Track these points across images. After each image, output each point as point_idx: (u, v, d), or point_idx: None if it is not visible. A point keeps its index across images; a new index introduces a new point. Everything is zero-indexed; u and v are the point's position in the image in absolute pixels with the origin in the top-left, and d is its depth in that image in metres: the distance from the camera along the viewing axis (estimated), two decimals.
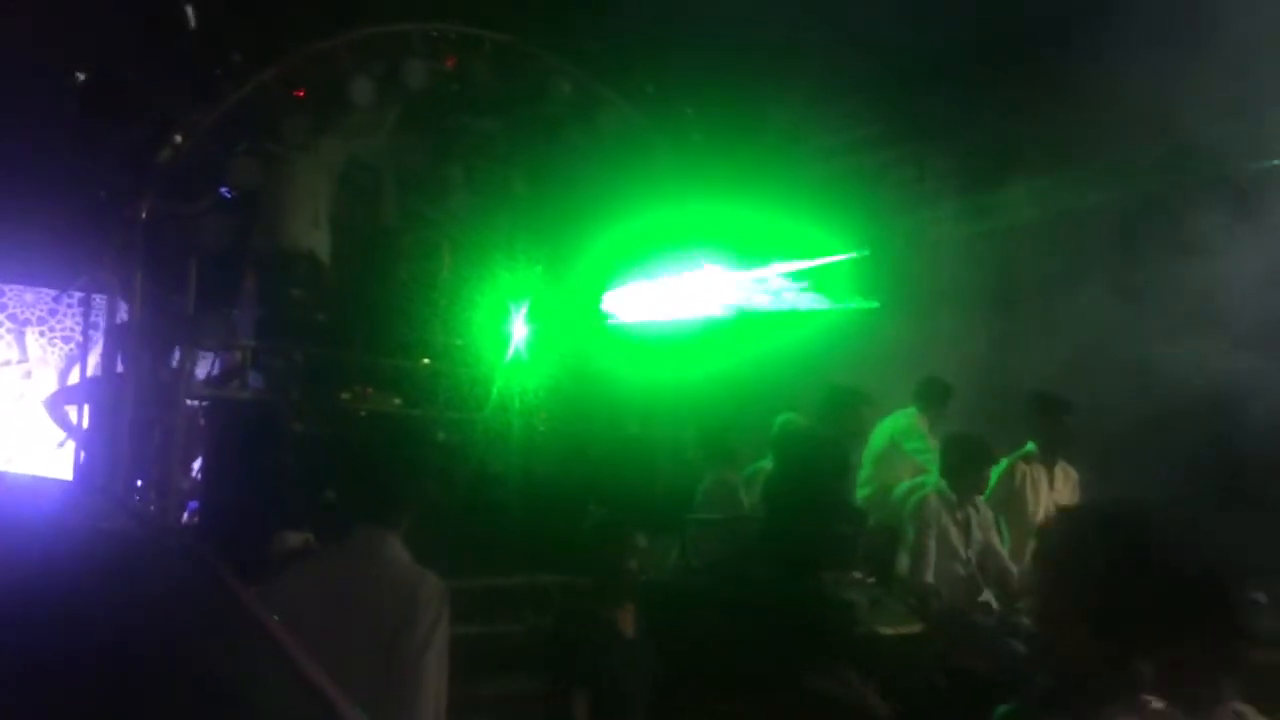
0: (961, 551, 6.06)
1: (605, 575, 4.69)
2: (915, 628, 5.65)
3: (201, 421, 7.29)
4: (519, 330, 8.03)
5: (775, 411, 7.22)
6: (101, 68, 6.81)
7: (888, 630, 5.54)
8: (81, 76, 6.82)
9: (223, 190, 7.02)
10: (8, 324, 12.07)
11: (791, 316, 8.98)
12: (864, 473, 7.02)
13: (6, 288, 12.05)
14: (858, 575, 5.68)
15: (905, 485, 6.64)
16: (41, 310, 12.19)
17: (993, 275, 8.81)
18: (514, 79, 8.20)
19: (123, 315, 7.32)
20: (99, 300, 8.82)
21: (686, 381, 8.50)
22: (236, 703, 1.96)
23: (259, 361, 7.20)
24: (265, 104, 7.14)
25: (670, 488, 7.64)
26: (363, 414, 7.49)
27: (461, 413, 7.78)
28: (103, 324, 10.48)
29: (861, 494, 6.96)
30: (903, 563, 6.12)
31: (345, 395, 7.45)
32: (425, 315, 7.98)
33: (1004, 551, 6.39)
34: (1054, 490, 6.60)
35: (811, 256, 8.99)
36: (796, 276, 8.99)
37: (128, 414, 6.64)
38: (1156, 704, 2.50)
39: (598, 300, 8.70)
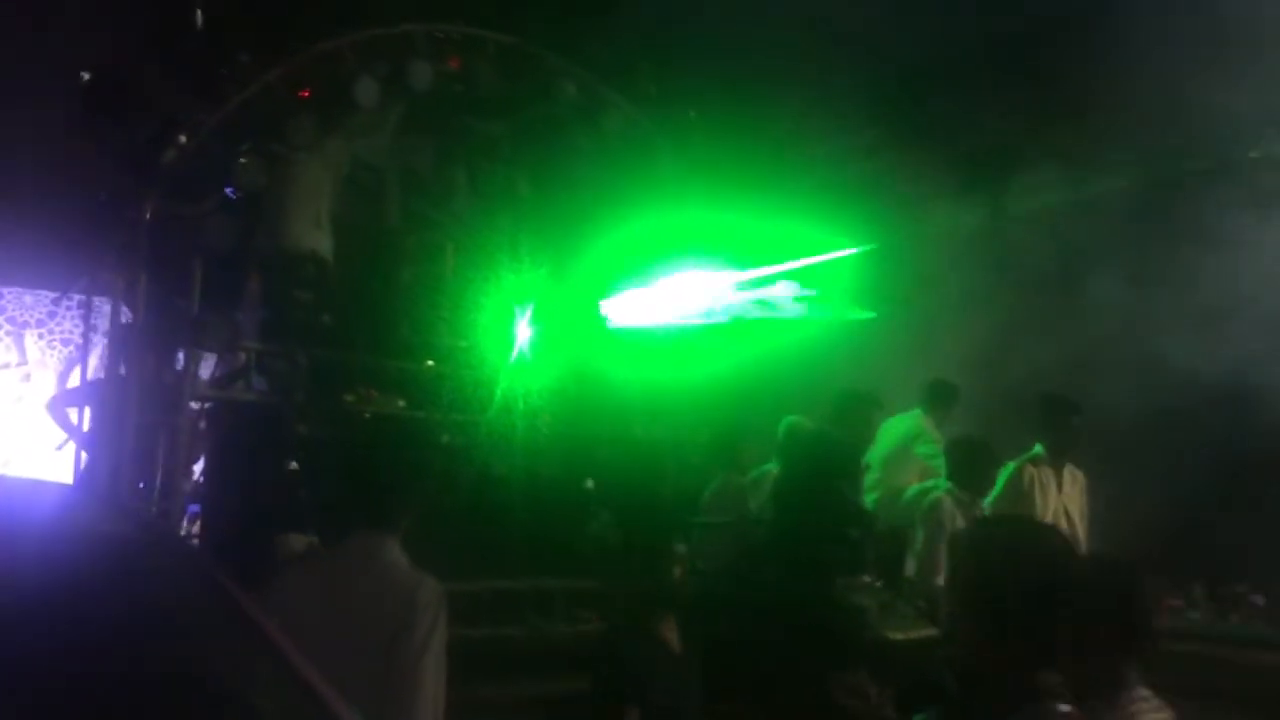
0: None
1: (648, 585, 4.61)
2: (926, 632, 5.62)
3: (203, 424, 7.25)
4: (523, 332, 7.99)
5: (781, 415, 7.23)
6: (105, 68, 6.76)
7: (898, 635, 5.50)
8: (85, 76, 6.78)
9: (227, 191, 6.97)
10: (6, 326, 12.06)
11: (794, 320, 8.96)
12: (872, 476, 6.98)
13: (5, 290, 12.04)
14: (866, 579, 5.65)
15: (915, 488, 6.62)
16: (40, 313, 12.18)
17: (992, 275, 8.78)
18: (518, 81, 8.17)
19: (124, 317, 7.29)
20: (99, 303, 8.80)
21: (691, 384, 8.48)
22: (234, 706, 1.95)
23: (262, 364, 7.15)
24: (270, 104, 7.09)
25: (676, 491, 7.60)
26: (367, 416, 7.45)
27: (465, 415, 7.73)
28: (103, 326, 10.55)
29: (869, 498, 6.92)
30: (911, 566, 6.09)
31: (349, 398, 7.41)
32: (429, 317, 7.95)
33: None
34: (1062, 493, 6.58)
35: (812, 258, 8.97)
36: (797, 282, 8.96)
37: (132, 416, 6.58)
38: (1063, 707, 2.71)
39: (602, 301, 8.67)
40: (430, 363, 7.83)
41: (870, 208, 9.31)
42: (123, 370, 6.92)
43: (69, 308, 12.04)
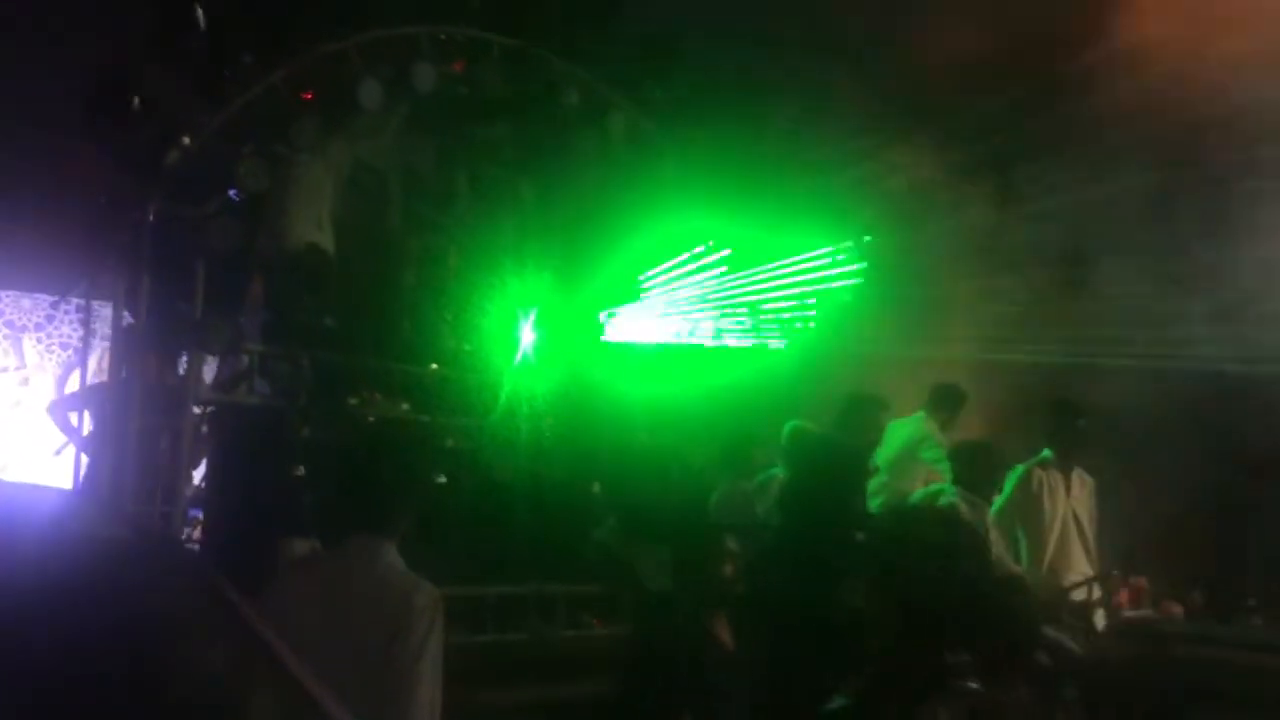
0: None
1: (698, 582, 4.57)
2: None
3: (204, 428, 7.21)
4: (527, 336, 7.96)
5: (785, 419, 7.19)
6: (108, 68, 6.73)
7: None
8: (87, 78, 6.76)
9: (230, 193, 6.94)
10: (5, 330, 12.03)
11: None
12: (877, 480, 6.95)
13: (3, 294, 12.00)
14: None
15: (920, 493, 6.59)
16: (39, 317, 12.15)
17: (994, 275, 8.75)
18: (522, 83, 8.14)
19: (125, 320, 7.24)
20: (98, 306, 8.75)
21: (694, 388, 8.45)
22: (231, 709, 1.94)
23: (265, 367, 7.11)
24: (273, 106, 7.06)
25: (682, 496, 7.55)
26: (370, 420, 7.42)
27: (469, 419, 7.70)
28: (102, 330, 10.51)
29: (874, 502, 6.89)
30: None
31: (353, 401, 7.38)
32: (432, 320, 7.92)
33: (1007, 558, 6.32)
34: (1070, 496, 6.54)
35: (811, 265, 8.95)
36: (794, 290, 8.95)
37: (134, 420, 6.54)
38: (971, 685, 3.08)
39: (605, 306, 8.64)
40: (434, 366, 7.79)
41: (870, 209, 9.28)
42: (124, 373, 6.87)
43: (67, 311, 12.01)
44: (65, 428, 8.13)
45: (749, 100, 9.06)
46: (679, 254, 8.77)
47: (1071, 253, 7.76)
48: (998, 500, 6.38)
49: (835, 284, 8.83)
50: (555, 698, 7.15)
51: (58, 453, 9.10)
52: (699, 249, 8.86)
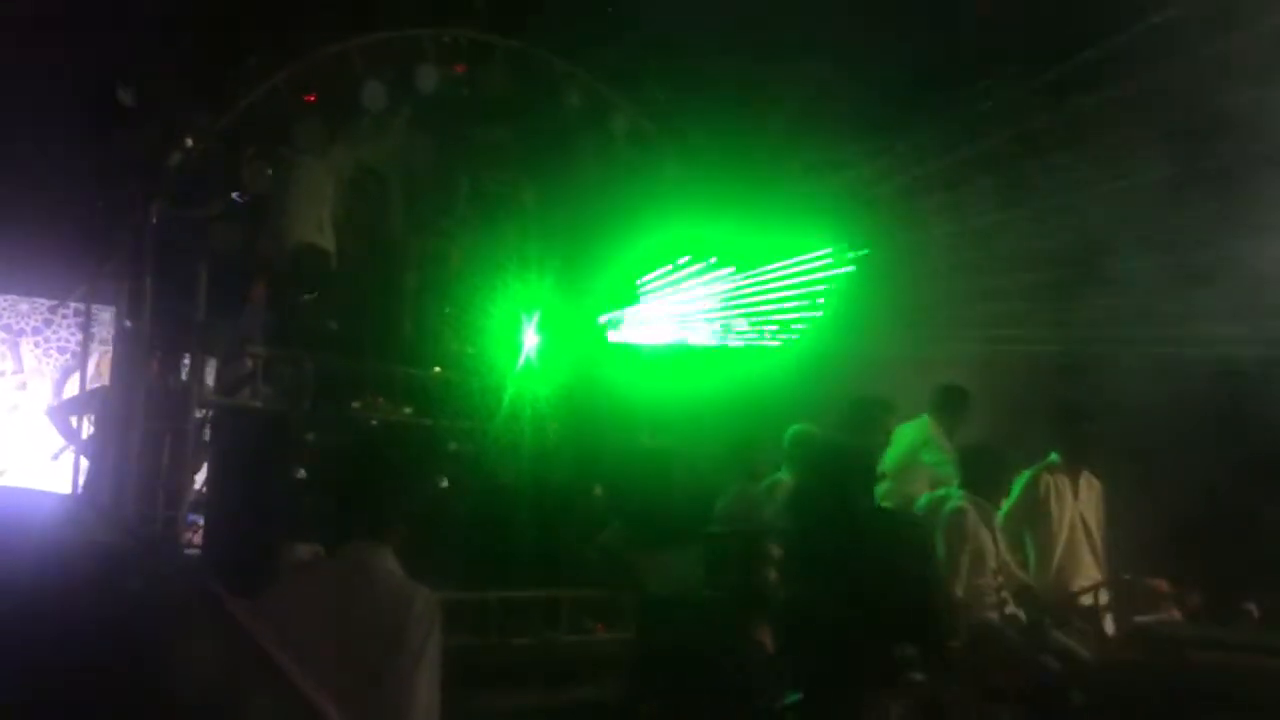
0: (992, 564, 5.95)
1: (740, 588, 4.58)
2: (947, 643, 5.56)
3: (206, 432, 7.18)
4: (530, 339, 7.92)
5: (787, 422, 7.17)
6: (111, 71, 6.70)
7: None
8: (86, 80, 6.74)
9: (233, 195, 6.91)
10: (2, 334, 11.96)
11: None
12: (883, 485, 6.90)
13: (1, 298, 11.93)
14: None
15: (927, 497, 6.54)
16: (37, 321, 12.09)
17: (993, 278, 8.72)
18: (525, 85, 8.12)
19: (125, 324, 7.20)
20: (97, 310, 8.71)
21: (698, 391, 8.42)
22: (227, 717, 1.92)
23: (268, 370, 7.08)
24: (275, 108, 7.03)
25: (687, 500, 7.53)
26: (373, 424, 7.39)
27: (472, 422, 7.67)
28: (102, 334, 10.46)
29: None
30: None
31: (356, 404, 7.35)
32: (435, 323, 7.89)
33: (1013, 563, 6.30)
34: (1078, 500, 6.50)
35: (812, 265, 8.92)
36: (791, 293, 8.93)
37: (136, 424, 6.50)
38: (918, 677, 3.37)
39: (608, 309, 8.61)
40: (437, 369, 7.76)
41: (871, 208, 9.25)
42: (126, 377, 6.83)
43: (66, 316, 11.95)
44: (65, 432, 8.09)
45: (750, 100, 9.03)
46: (681, 255, 8.73)
47: (1078, 249, 7.71)
48: (1005, 505, 6.34)
49: (837, 284, 8.79)
50: (558, 702, 7.13)
51: (55, 457, 9.07)
52: (700, 250, 8.81)
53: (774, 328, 8.90)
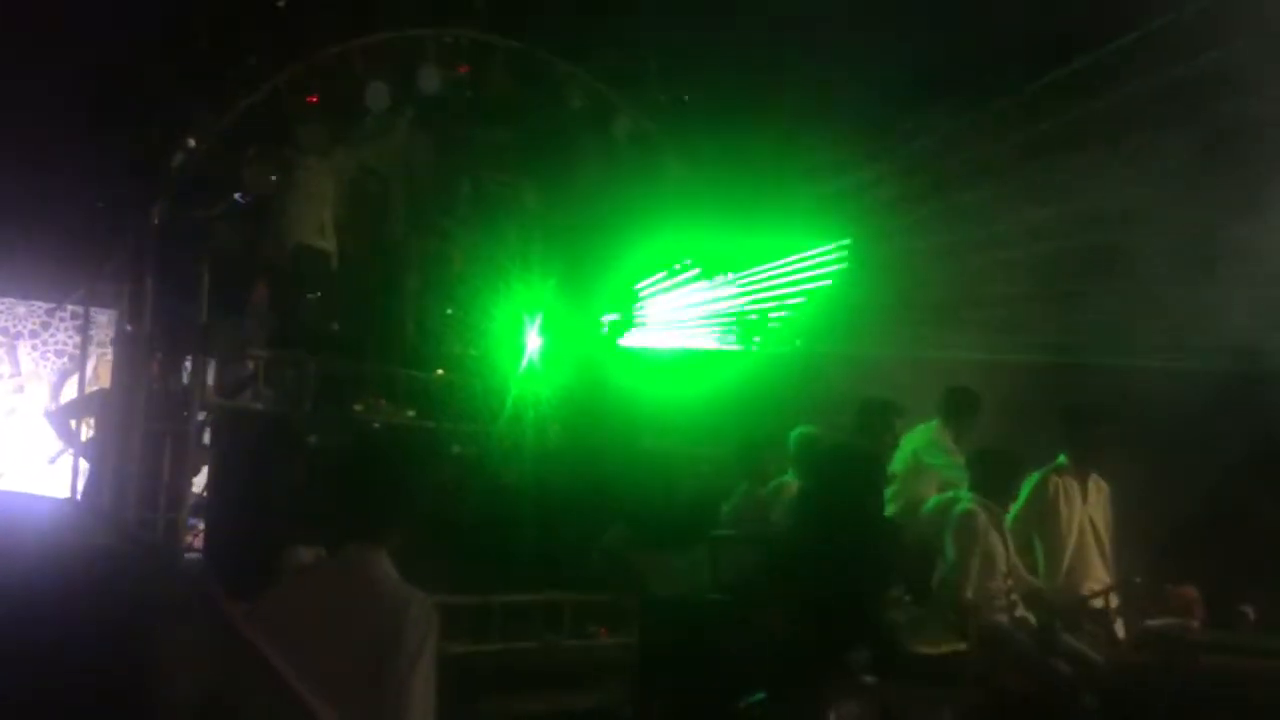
0: (1002, 567, 5.91)
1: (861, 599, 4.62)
2: (956, 646, 5.52)
3: (207, 435, 7.13)
4: (532, 341, 7.88)
5: (790, 424, 7.14)
6: (111, 71, 6.66)
7: (930, 650, 5.41)
8: (85, 81, 6.70)
9: (235, 196, 6.86)
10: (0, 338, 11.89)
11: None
12: (891, 488, 6.86)
13: None
14: (894, 593, 5.57)
15: (935, 500, 6.50)
16: (34, 323, 12.01)
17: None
18: (527, 87, 8.08)
19: (125, 326, 7.16)
20: (95, 313, 8.66)
21: (701, 394, 8.38)
22: None
23: (270, 372, 7.04)
24: (277, 109, 6.99)
25: (692, 503, 7.50)
26: (376, 426, 7.35)
27: (475, 425, 7.63)
28: (100, 336, 10.41)
29: (887, 510, 6.80)
30: (937, 578, 5.98)
31: (358, 407, 7.31)
32: (438, 325, 7.85)
33: (1021, 566, 6.27)
34: (1087, 503, 6.47)
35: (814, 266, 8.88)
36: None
37: (139, 426, 6.45)
38: (868, 679, 3.44)
39: (611, 311, 8.57)
40: (439, 371, 7.72)
41: (875, 212, 9.22)
42: (128, 379, 6.78)
43: (63, 318, 11.88)
44: (64, 434, 8.03)
45: (751, 101, 9.00)
46: (683, 257, 8.69)
47: (1084, 250, 7.68)
48: (1014, 508, 6.30)
49: (841, 286, 8.74)
50: (560, 706, 7.10)
51: (53, 460, 9.02)
52: (703, 252, 8.77)
53: (777, 329, 8.84)
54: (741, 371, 8.57)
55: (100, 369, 10.91)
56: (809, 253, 8.88)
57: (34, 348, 12.00)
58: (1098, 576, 6.30)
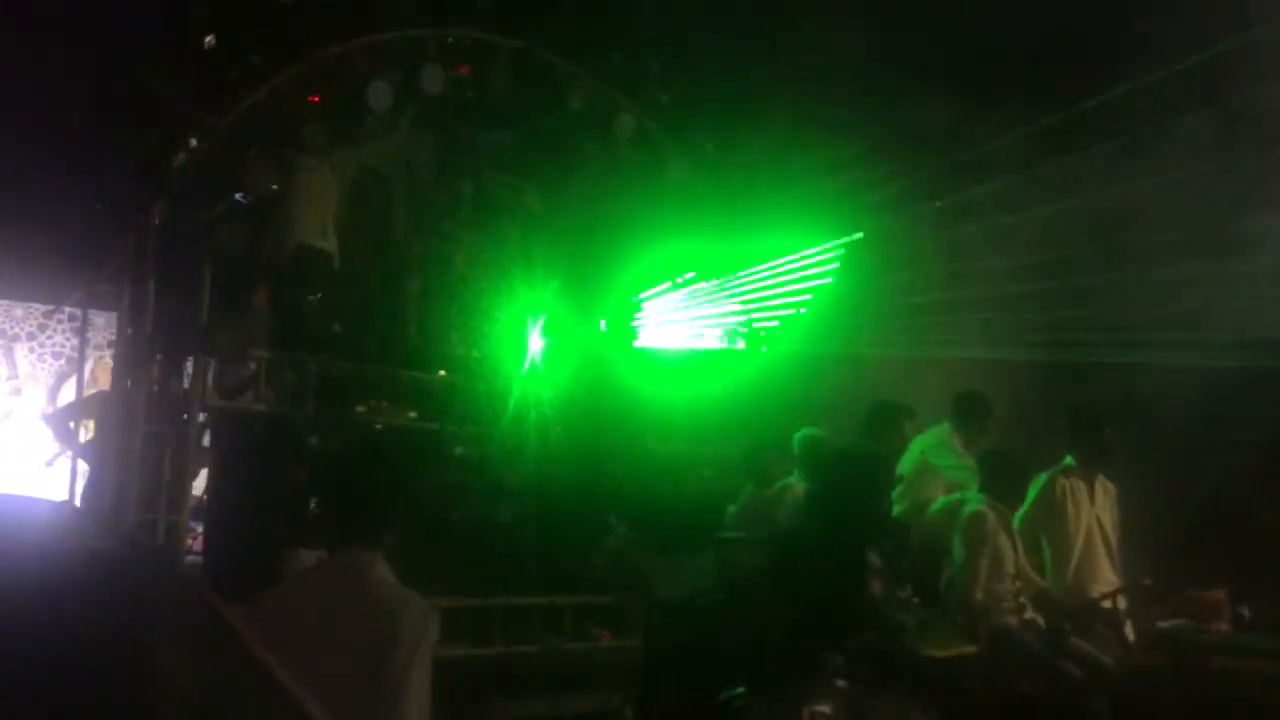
0: (1010, 568, 5.88)
1: (844, 601, 4.61)
2: (966, 649, 5.49)
3: (206, 437, 7.09)
4: (535, 342, 7.85)
5: (794, 425, 7.10)
6: (111, 70, 6.62)
7: (939, 653, 5.38)
8: (82, 83, 6.66)
9: (237, 196, 6.82)
10: None
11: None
12: (897, 490, 6.82)
13: None
14: (902, 595, 5.52)
15: (942, 501, 6.47)
16: (31, 326, 11.99)
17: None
18: (529, 87, 8.04)
19: (125, 327, 7.11)
20: (92, 315, 8.61)
21: (704, 396, 8.35)
22: None
23: (271, 373, 7.00)
24: (279, 108, 6.95)
25: (696, 505, 7.46)
26: (378, 427, 7.32)
27: (478, 426, 7.59)
28: (97, 338, 10.36)
29: (894, 511, 6.76)
30: (944, 580, 5.95)
31: (360, 408, 7.27)
32: (440, 326, 7.82)
33: (1030, 567, 6.23)
34: (1094, 505, 6.43)
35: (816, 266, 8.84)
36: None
37: (139, 428, 6.41)
38: (840, 683, 3.58)
39: (613, 312, 8.54)
40: (442, 373, 7.69)
41: (881, 211, 9.18)
42: (129, 381, 6.73)
43: (60, 321, 11.85)
44: (64, 437, 7.99)
45: (753, 99, 8.98)
46: (686, 258, 8.65)
47: (1091, 250, 7.66)
48: (1021, 509, 6.27)
49: (845, 286, 8.71)
50: (563, 710, 7.06)
51: (50, 463, 8.98)
52: (705, 253, 8.73)
53: (781, 330, 8.80)
54: (746, 373, 8.54)
55: (98, 371, 10.88)
56: (813, 252, 8.85)
57: (31, 350, 11.97)
58: (1106, 578, 6.26)
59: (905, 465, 6.80)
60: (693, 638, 5.98)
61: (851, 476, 5.36)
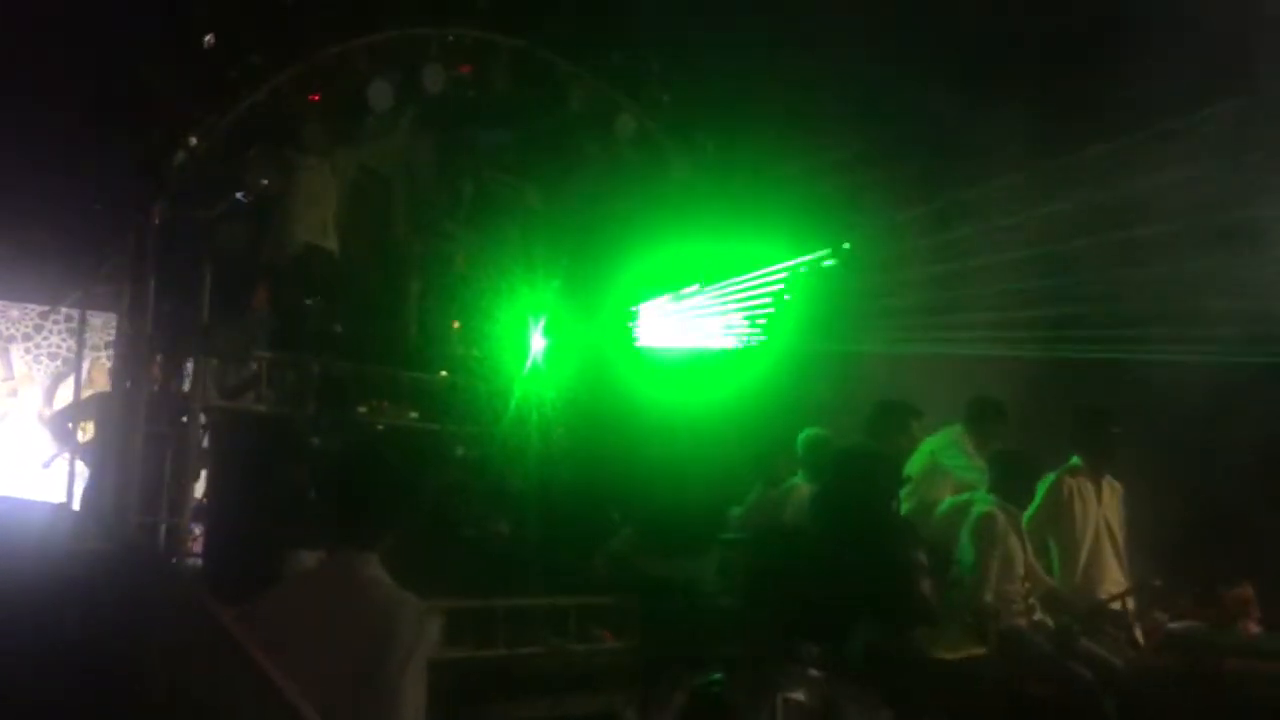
0: (1020, 569, 5.86)
1: (898, 599, 4.64)
2: (976, 650, 5.46)
3: (204, 436, 7.04)
4: (537, 342, 7.82)
5: (797, 425, 7.08)
6: (110, 69, 6.57)
7: (948, 655, 5.35)
8: (80, 82, 6.63)
9: (238, 195, 6.78)
10: None
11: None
12: (904, 489, 6.79)
13: None
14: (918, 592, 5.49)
15: (950, 502, 6.44)
16: (27, 326, 11.93)
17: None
18: (530, 86, 8.00)
19: (125, 329, 7.06)
20: (90, 316, 8.56)
21: (706, 397, 8.32)
22: None
23: (272, 374, 6.96)
24: (279, 108, 6.90)
25: (701, 506, 7.42)
26: (379, 428, 7.28)
27: (479, 427, 7.56)
28: (93, 339, 10.31)
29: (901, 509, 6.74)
30: (951, 579, 5.93)
31: (361, 409, 7.23)
32: (441, 326, 7.79)
33: (1039, 568, 6.21)
34: (1101, 504, 6.42)
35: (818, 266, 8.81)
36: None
37: (140, 429, 6.37)
38: (815, 674, 3.67)
39: (616, 313, 8.50)
40: (443, 373, 7.66)
41: (881, 211, 9.16)
42: (129, 382, 6.69)
43: (56, 321, 11.79)
44: (63, 437, 7.95)
45: (755, 99, 8.96)
46: (688, 258, 8.62)
47: (1097, 250, 7.64)
48: (1029, 509, 6.25)
49: (849, 286, 8.68)
50: (566, 712, 7.03)
51: (47, 465, 8.94)
52: (707, 253, 8.70)
53: (785, 330, 8.77)
54: (750, 373, 8.50)
55: (94, 372, 10.83)
56: (815, 251, 8.82)
57: (27, 350, 11.91)
58: (1114, 578, 6.26)
59: (914, 465, 6.77)
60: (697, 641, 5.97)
61: (856, 476, 5.35)
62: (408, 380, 7.56)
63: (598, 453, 7.93)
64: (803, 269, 8.78)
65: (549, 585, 7.32)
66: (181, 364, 6.91)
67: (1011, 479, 6.05)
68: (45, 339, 11.96)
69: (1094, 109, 7.68)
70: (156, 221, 6.36)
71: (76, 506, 6.90)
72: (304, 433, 6.97)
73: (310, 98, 7.15)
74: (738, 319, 8.80)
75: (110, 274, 7.02)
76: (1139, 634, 6.06)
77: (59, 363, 11.86)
